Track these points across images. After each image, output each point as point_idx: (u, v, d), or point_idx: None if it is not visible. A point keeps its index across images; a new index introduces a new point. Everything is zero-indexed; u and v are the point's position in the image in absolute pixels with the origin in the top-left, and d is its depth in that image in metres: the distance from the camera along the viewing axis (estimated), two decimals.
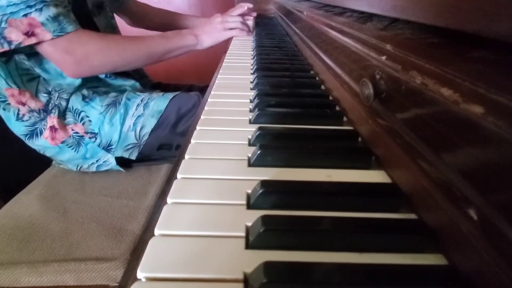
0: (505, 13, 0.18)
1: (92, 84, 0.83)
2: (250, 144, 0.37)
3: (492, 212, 0.18)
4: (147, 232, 0.25)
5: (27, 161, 0.86)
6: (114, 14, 1.05)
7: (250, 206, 0.27)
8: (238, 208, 0.27)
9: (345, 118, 0.44)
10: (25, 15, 0.64)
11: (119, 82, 0.87)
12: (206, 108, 0.48)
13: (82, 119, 0.78)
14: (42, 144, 0.78)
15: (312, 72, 0.67)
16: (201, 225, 0.25)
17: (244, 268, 0.21)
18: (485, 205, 0.18)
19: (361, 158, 0.33)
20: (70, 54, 0.70)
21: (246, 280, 0.21)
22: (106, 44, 0.74)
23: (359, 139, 0.38)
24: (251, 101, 0.51)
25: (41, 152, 0.81)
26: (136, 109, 0.80)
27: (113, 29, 0.98)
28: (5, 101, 0.74)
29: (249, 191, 0.29)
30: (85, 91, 0.80)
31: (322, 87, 0.58)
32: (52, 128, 0.76)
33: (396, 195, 0.28)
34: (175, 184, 0.30)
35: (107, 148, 0.79)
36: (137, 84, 0.89)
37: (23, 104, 0.75)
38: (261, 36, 1.11)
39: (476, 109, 0.20)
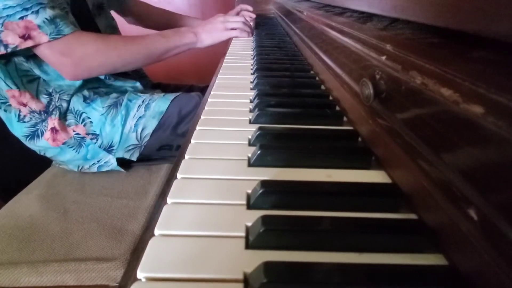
0: (505, 13, 0.18)
1: (93, 85, 0.82)
2: (250, 144, 0.38)
3: (492, 212, 0.18)
4: (147, 232, 0.25)
5: (27, 161, 0.86)
6: (114, 13, 1.04)
7: (250, 206, 0.27)
8: (238, 208, 0.27)
9: (345, 118, 0.44)
10: (22, 17, 0.63)
11: (119, 83, 0.86)
12: (206, 108, 0.48)
13: (83, 120, 0.78)
14: (43, 145, 0.78)
15: (312, 72, 0.67)
16: (201, 225, 0.25)
17: (244, 268, 0.21)
18: (485, 205, 0.18)
19: (361, 158, 0.33)
20: (67, 56, 0.69)
21: (246, 280, 0.21)
22: (105, 45, 0.74)
23: (359, 139, 0.38)
24: (251, 101, 0.51)
25: (42, 153, 0.80)
26: (137, 110, 0.79)
27: (114, 30, 0.98)
28: (6, 102, 0.74)
29: (249, 191, 0.29)
30: (86, 92, 0.80)
31: (322, 87, 0.58)
32: (53, 130, 0.76)
33: (396, 195, 0.28)
34: (175, 184, 0.30)
35: (108, 149, 0.79)
36: (138, 85, 0.88)
37: (24, 105, 0.75)
38: (261, 36, 1.11)
39: (476, 109, 0.20)
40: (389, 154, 0.31)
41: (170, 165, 0.83)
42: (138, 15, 1.15)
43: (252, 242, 0.23)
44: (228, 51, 0.91)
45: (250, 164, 0.33)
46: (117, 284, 0.54)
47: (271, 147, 0.34)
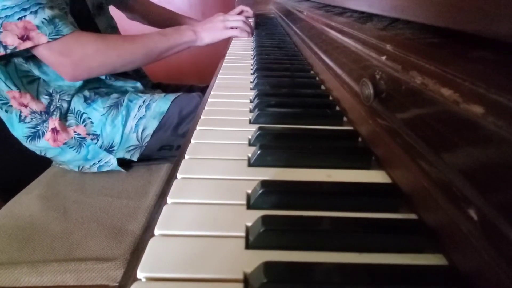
0: (505, 13, 0.18)
1: (94, 86, 0.82)
2: (250, 144, 0.38)
3: (492, 212, 0.18)
4: (147, 232, 0.25)
5: (27, 161, 0.86)
6: (114, 11, 1.04)
7: (250, 206, 0.27)
8: (238, 208, 0.27)
9: (345, 118, 0.44)
10: (20, 18, 0.63)
11: (120, 83, 0.86)
12: (206, 108, 0.48)
13: (84, 120, 0.78)
14: (43, 145, 0.78)
15: (312, 72, 0.67)
16: (201, 225, 0.25)
17: (244, 268, 0.21)
18: (485, 205, 0.18)
19: (361, 158, 0.33)
20: (66, 57, 0.69)
21: (246, 280, 0.21)
22: (104, 45, 0.74)
23: (359, 139, 0.38)
24: (251, 101, 0.51)
25: (42, 154, 0.80)
26: (138, 111, 0.79)
27: (114, 30, 0.98)
28: (7, 103, 0.74)
29: (249, 191, 0.29)
30: (86, 93, 0.80)
31: (322, 87, 0.58)
32: (54, 130, 0.76)
33: (396, 195, 0.28)
34: (175, 184, 0.30)
35: (109, 149, 0.79)
36: (139, 85, 0.88)
37: (25, 106, 0.75)
38: (261, 36, 1.11)
39: (476, 109, 0.20)
40: (389, 154, 0.31)
41: (170, 165, 0.83)
42: (138, 12, 1.15)
43: (252, 242, 0.23)
44: (228, 51, 0.91)
45: (250, 164, 0.33)
46: (117, 284, 0.54)
47: (271, 147, 0.34)
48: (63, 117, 0.77)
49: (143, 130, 0.79)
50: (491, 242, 0.18)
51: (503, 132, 0.18)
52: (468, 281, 0.19)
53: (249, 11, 1.30)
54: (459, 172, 0.21)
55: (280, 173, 0.32)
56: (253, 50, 0.90)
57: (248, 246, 0.23)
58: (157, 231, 0.24)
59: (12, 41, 0.64)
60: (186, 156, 0.35)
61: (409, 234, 0.24)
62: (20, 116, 0.75)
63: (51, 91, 0.77)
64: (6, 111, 0.75)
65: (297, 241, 0.23)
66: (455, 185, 0.21)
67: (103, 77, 0.84)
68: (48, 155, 0.81)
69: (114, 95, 0.82)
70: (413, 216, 0.26)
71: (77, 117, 0.78)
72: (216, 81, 0.62)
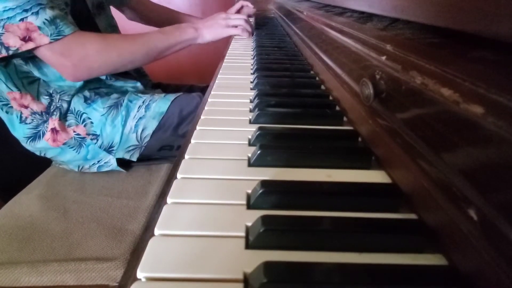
0: (505, 13, 0.18)
1: (94, 86, 0.82)
2: (250, 144, 0.38)
3: (492, 212, 0.18)
4: (147, 232, 0.25)
5: (27, 161, 0.86)
6: (114, 11, 1.04)
7: (250, 206, 0.27)
8: (238, 208, 0.27)
9: (345, 118, 0.44)
10: (22, 19, 0.63)
11: (120, 83, 0.86)
12: (206, 108, 0.48)
13: (83, 120, 0.78)
14: (43, 146, 0.78)
15: (312, 72, 0.67)
16: (201, 225, 0.25)
17: (244, 268, 0.21)
18: (485, 205, 0.18)
19: (361, 158, 0.33)
20: (67, 57, 0.69)
21: (246, 280, 0.21)
22: (104, 45, 0.73)
23: (359, 139, 0.38)
24: (251, 101, 0.51)
25: (42, 154, 0.80)
26: (137, 111, 0.79)
27: (114, 29, 0.97)
28: (7, 104, 0.74)
29: (249, 191, 0.29)
30: (87, 93, 0.80)
31: (322, 87, 0.58)
32: (54, 130, 0.76)
33: (396, 195, 0.28)
34: (175, 184, 0.30)
35: (109, 149, 0.79)
36: (139, 85, 0.88)
37: (26, 107, 0.75)
38: (261, 36, 1.11)
39: (476, 109, 0.20)
40: (389, 154, 0.31)
41: (170, 165, 0.83)
42: (138, 11, 1.15)
43: (252, 242, 0.23)
44: (228, 51, 0.91)
45: (250, 164, 0.33)
46: (117, 284, 0.54)
47: (271, 147, 0.34)
48: (63, 117, 0.77)
49: (142, 130, 0.79)
50: (491, 242, 0.18)
51: (503, 132, 0.18)
52: (468, 281, 0.20)
53: (249, 5, 1.29)
54: (459, 172, 0.21)
55: (280, 173, 0.32)
56: (253, 50, 0.90)
57: (248, 246, 0.23)
58: (157, 231, 0.24)
59: (14, 43, 0.64)
60: (186, 156, 0.35)
61: (409, 234, 0.24)
62: (20, 117, 0.75)
63: (51, 91, 0.77)
64: (7, 112, 0.75)
65: (297, 241, 0.23)
66: (455, 185, 0.21)
67: (103, 77, 0.84)
68: (48, 155, 0.81)
69: (114, 95, 0.82)
70: (413, 216, 0.26)
71: (77, 117, 0.78)
72: (216, 81, 0.62)
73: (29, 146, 0.79)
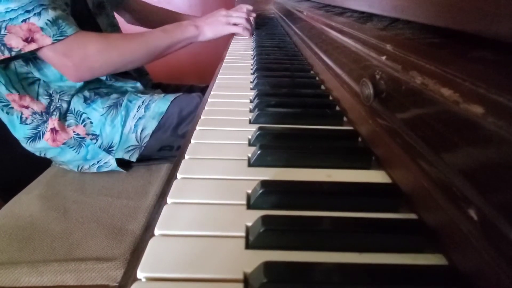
0: (505, 13, 0.18)
1: (94, 86, 0.82)
2: (250, 144, 0.38)
3: (492, 212, 0.18)
4: (147, 232, 0.25)
5: (27, 161, 0.86)
6: (114, 13, 1.04)
7: (250, 206, 0.27)
8: (238, 208, 0.27)
9: (345, 118, 0.44)
10: (24, 20, 0.63)
11: (120, 83, 0.86)
12: (206, 108, 0.48)
13: (83, 120, 0.78)
14: (43, 146, 0.78)
15: (312, 72, 0.67)
16: (201, 225, 0.25)
17: (244, 268, 0.21)
18: (485, 205, 0.18)
19: (361, 158, 0.33)
20: (69, 58, 0.69)
21: (246, 280, 0.21)
22: (106, 45, 0.73)
23: (359, 139, 0.38)
24: (251, 101, 0.51)
25: (42, 155, 0.80)
26: (137, 111, 0.79)
27: (115, 28, 0.97)
28: (8, 105, 0.74)
29: (249, 191, 0.29)
30: (86, 93, 0.80)
31: (322, 87, 0.58)
32: (53, 130, 0.76)
33: (396, 195, 0.28)
34: (175, 184, 0.30)
35: (108, 149, 0.79)
36: (139, 85, 0.88)
37: (26, 108, 0.75)
38: (261, 36, 1.11)
39: (476, 109, 0.20)
40: (389, 154, 0.31)
41: (170, 165, 0.83)
42: (136, 13, 1.15)
43: (252, 242, 0.23)
44: (228, 51, 0.91)
45: (250, 164, 0.33)
46: (117, 284, 0.54)
47: (271, 147, 0.34)
48: (63, 117, 0.77)
49: (142, 130, 0.79)
50: (491, 242, 0.18)
51: (503, 132, 0.18)
52: (468, 281, 0.20)
53: (249, 8, 1.29)
54: (459, 172, 0.21)
55: (280, 173, 0.32)
56: (253, 50, 0.90)
57: (248, 246, 0.23)
58: (157, 231, 0.24)
59: (17, 44, 0.64)
60: (186, 156, 0.35)
61: (409, 234, 0.24)
62: (21, 117, 0.75)
63: (51, 91, 0.77)
64: (7, 113, 0.75)
65: (297, 241, 0.23)
66: (455, 185, 0.21)
67: (103, 77, 0.83)
68: (48, 156, 0.81)
69: (114, 96, 0.82)
70: (413, 216, 0.26)
71: (76, 117, 0.78)
72: (216, 81, 0.62)
73: (29, 146, 0.79)
